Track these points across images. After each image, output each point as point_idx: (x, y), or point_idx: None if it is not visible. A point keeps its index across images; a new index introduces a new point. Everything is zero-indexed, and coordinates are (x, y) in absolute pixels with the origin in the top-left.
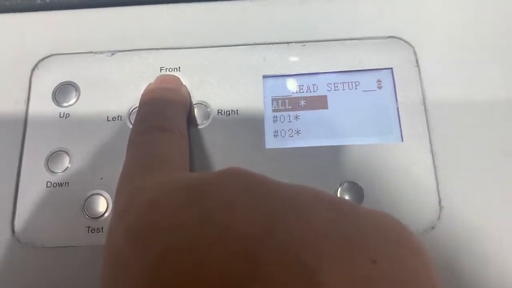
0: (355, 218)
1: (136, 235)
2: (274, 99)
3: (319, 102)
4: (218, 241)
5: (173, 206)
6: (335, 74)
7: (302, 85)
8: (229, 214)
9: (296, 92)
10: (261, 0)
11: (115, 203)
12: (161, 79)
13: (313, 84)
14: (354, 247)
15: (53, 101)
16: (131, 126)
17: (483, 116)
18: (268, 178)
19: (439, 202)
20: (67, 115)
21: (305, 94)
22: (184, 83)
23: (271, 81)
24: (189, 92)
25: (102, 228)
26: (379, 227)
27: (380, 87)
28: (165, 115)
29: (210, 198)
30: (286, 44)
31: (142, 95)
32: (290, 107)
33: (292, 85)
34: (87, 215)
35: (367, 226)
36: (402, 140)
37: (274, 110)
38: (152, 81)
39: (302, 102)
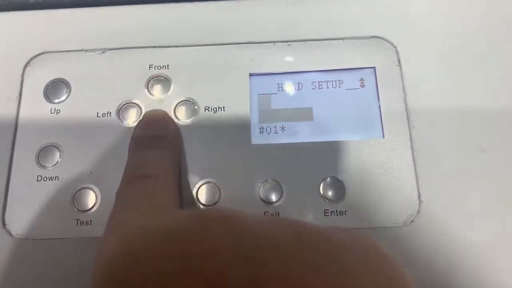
0: (339, 255)
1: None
2: (261, 110)
3: (305, 114)
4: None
5: (154, 258)
6: (319, 73)
7: (288, 83)
8: (211, 264)
9: (282, 90)
10: (248, 0)
11: (102, 247)
12: (147, 122)
13: (298, 83)
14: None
15: (44, 97)
16: (120, 122)
17: (462, 115)
18: (248, 218)
19: (419, 196)
20: (58, 111)
21: (290, 95)
22: (172, 80)
23: (257, 79)
24: (178, 129)
25: (90, 221)
26: (362, 261)
27: (363, 86)
28: (148, 164)
29: (190, 248)
30: (272, 43)
31: (130, 143)
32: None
33: (277, 83)
34: (76, 208)
35: (350, 264)
36: (384, 137)
37: (260, 121)
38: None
39: (289, 114)
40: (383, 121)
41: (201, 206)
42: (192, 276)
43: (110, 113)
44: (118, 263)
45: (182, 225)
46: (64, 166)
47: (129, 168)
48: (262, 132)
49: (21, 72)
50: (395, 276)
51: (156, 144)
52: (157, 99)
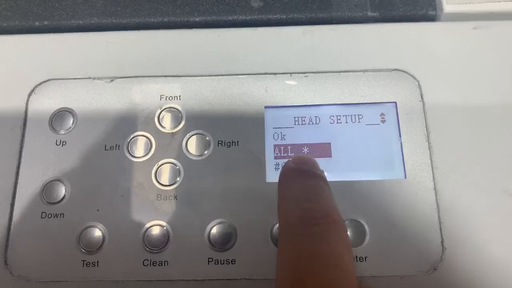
0: None
1: None
2: (276, 146)
3: (323, 150)
4: None
5: None
6: (338, 107)
7: (304, 117)
8: None
9: (298, 125)
10: (264, 28)
11: None
12: (302, 158)
13: (316, 116)
14: None
15: (49, 127)
16: (129, 156)
17: (487, 155)
18: None
19: (442, 242)
20: (64, 142)
21: (307, 127)
22: (184, 112)
23: (272, 111)
24: None
25: (97, 262)
26: None
27: (383, 121)
28: (320, 200)
29: None
30: (289, 75)
31: (285, 174)
32: (293, 154)
33: (294, 117)
34: (83, 249)
35: None
36: (405, 177)
37: (276, 157)
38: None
39: (305, 150)
40: (404, 160)
41: (212, 249)
42: None
43: (119, 146)
44: None
45: None
46: (69, 202)
47: (301, 204)
48: (278, 169)
49: (25, 100)
50: None
51: (320, 177)
52: (168, 131)
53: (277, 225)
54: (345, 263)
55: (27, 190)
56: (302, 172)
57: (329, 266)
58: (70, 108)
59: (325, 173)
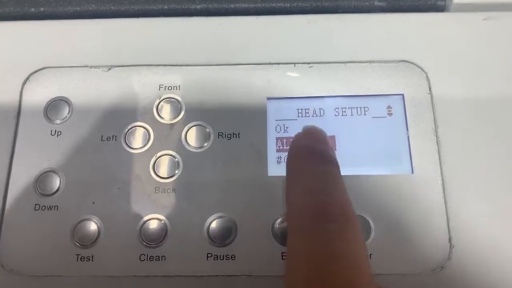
0: None
1: None
2: (279, 139)
3: None
4: None
5: None
6: (343, 98)
7: (308, 109)
8: None
9: (302, 117)
10: (267, 17)
11: None
12: (311, 133)
13: (320, 108)
14: None
15: (44, 117)
16: (126, 147)
17: (497, 151)
18: None
19: (450, 240)
20: (59, 132)
21: (310, 119)
22: (183, 102)
23: (275, 103)
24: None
25: (92, 256)
26: None
27: (390, 114)
28: (333, 191)
29: None
30: (293, 65)
31: (292, 156)
32: None
33: (297, 109)
34: (77, 242)
35: None
36: (413, 172)
37: (278, 150)
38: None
39: None
40: (412, 155)
41: (212, 244)
42: None
43: (116, 136)
44: None
45: None
46: (64, 194)
47: (310, 193)
48: (280, 162)
49: (19, 89)
50: None
51: (333, 161)
52: (167, 122)
53: (280, 219)
54: (363, 263)
55: (20, 181)
56: (315, 155)
57: (349, 266)
58: (66, 97)
59: None
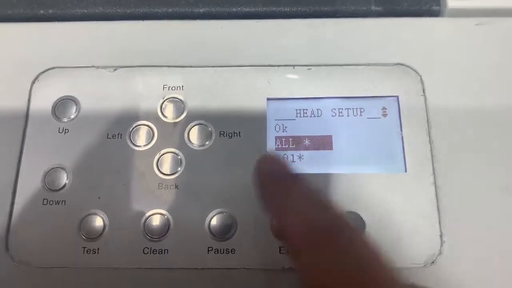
0: None
1: None
2: (278, 138)
3: (324, 143)
4: None
5: None
6: (340, 100)
7: (306, 110)
8: None
9: (300, 117)
10: (268, 20)
11: None
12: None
13: (317, 109)
14: None
15: (52, 115)
16: (131, 145)
17: (489, 151)
18: None
19: (441, 236)
20: (67, 130)
21: (308, 119)
22: (186, 102)
23: (275, 104)
24: None
25: (98, 249)
26: None
27: (385, 115)
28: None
29: None
30: (292, 67)
31: (264, 181)
32: (294, 146)
33: (296, 109)
34: (84, 236)
35: None
36: (406, 171)
37: (277, 149)
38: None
39: (306, 142)
40: (405, 154)
41: (212, 238)
42: None
43: (121, 134)
44: None
45: None
46: (71, 190)
47: (304, 215)
48: None
49: (29, 88)
50: None
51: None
52: (170, 121)
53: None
54: (382, 261)
55: (29, 177)
56: (289, 178)
57: (371, 267)
58: (73, 97)
59: (326, 166)
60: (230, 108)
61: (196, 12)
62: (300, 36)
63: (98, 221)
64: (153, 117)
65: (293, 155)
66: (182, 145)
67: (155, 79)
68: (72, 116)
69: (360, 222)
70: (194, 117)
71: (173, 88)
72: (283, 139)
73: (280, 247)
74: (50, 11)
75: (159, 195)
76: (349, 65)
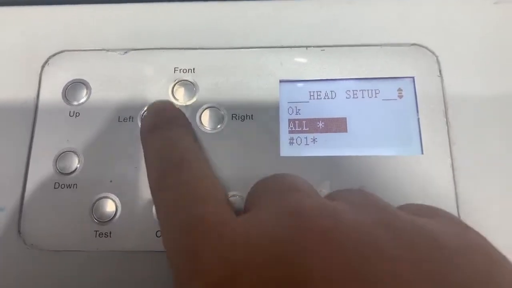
0: (445, 259)
1: None
2: (291, 120)
3: (338, 125)
4: None
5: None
6: (354, 81)
7: (320, 92)
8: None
9: (314, 99)
10: (280, 1)
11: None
12: (157, 108)
13: (331, 91)
14: None
15: (63, 99)
16: None
17: (507, 132)
18: (343, 215)
19: None
20: (77, 114)
21: (322, 101)
22: (198, 85)
23: (288, 86)
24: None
25: (110, 232)
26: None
27: (400, 96)
28: (177, 147)
29: (290, 264)
30: (305, 48)
31: (143, 135)
32: (307, 129)
33: (309, 91)
34: (95, 219)
35: (464, 273)
36: (422, 153)
37: (290, 132)
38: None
39: (320, 124)
40: (421, 136)
41: None
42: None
43: (132, 118)
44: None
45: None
46: (83, 173)
47: (155, 159)
48: (292, 143)
49: (39, 72)
50: None
51: (177, 126)
52: (182, 104)
53: None
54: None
55: (40, 160)
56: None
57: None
58: (84, 80)
59: (341, 148)
60: (242, 90)
61: None
62: (313, 16)
63: (110, 205)
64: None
65: (306, 138)
66: (194, 128)
67: (166, 62)
68: (83, 100)
69: None
70: (205, 100)
71: (185, 71)
72: (297, 122)
73: None
74: None
75: None
76: (364, 45)
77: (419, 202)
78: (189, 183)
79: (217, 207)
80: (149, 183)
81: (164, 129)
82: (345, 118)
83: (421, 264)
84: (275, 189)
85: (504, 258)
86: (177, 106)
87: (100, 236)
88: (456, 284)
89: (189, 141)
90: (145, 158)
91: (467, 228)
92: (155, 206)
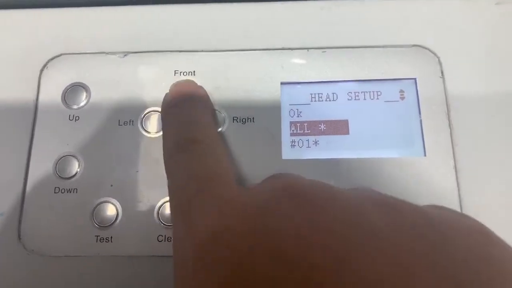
0: (443, 240)
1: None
2: (292, 123)
3: (340, 127)
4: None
5: (238, 245)
6: (356, 83)
7: (321, 94)
8: (300, 247)
9: (315, 101)
10: (281, 3)
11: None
12: (181, 85)
13: (333, 93)
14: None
15: (62, 102)
16: (143, 132)
17: (510, 133)
18: (322, 191)
19: None
20: (77, 118)
21: (324, 104)
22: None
23: (289, 88)
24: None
25: (111, 237)
26: (471, 249)
27: (402, 98)
28: (196, 127)
29: (274, 231)
30: (306, 50)
31: (164, 110)
32: (309, 131)
33: (311, 93)
34: (96, 224)
35: (458, 252)
36: (425, 155)
37: (291, 134)
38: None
39: (322, 127)
40: (424, 138)
41: None
42: (282, 263)
43: (133, 121)
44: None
45: (259, 206)
46: (83, 177)
47: (173, 133)
48: (294, 146)
49: (38, 75)
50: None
51: (197, 103)
52: None
53: None
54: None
55: (40, 165)
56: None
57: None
58: (83, 83)
59: (342, 151)
60: (243, 93)
61: None
62: (314, 18)
63: (111, 209)
64: None
65: (308, 140)
66: None
67: (166, 65)
68: (82, 103)
69: None
70: None
71: (185, 73)
72: (298, 124)
73: None
74: None
75: None
76: (365, 47)
77: (422, 203)
78: (201, 159)
79: (222, 183)
80: (163, 152)
81: (184, 106)
82: (347, 120)
83: (419, 240)
84: (274, 175)
85: (503, 241)
86: None
87: (101, 241)
88: (456, 260)
89: (208, 119)
90: (163, 131)
91: (466, 215)
92: (166, 173)
